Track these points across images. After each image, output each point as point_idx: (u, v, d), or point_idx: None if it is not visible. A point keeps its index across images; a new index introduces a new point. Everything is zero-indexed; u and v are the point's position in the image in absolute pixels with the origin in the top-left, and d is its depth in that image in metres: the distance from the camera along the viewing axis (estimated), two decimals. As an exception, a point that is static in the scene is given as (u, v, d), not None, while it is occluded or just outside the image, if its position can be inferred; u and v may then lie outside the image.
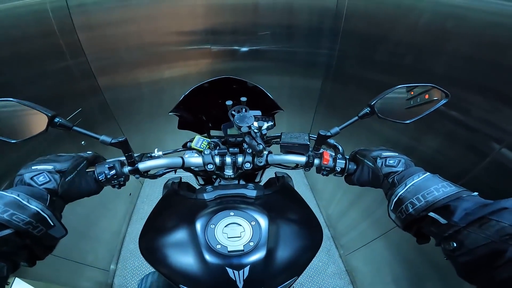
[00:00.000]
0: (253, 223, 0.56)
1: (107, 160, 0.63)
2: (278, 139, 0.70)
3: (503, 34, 0.73)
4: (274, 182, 0.81)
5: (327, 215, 1.93)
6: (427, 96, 0.60)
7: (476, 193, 0.46)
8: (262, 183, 0.86)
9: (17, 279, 0.96)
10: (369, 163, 0.60)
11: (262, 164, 0.68)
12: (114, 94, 1.66)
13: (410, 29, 1.04)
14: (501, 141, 0.75)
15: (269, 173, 0.89)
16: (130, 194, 2.07)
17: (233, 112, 0.65)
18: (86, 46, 1.42)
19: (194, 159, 0.69)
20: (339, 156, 0.65)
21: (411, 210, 0.47)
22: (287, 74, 1.66)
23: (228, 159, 0.69)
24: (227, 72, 1.56)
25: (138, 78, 1.65)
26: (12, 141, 0.52)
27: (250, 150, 0.67)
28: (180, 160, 0.68)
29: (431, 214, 0.45)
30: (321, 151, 0.66)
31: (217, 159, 0.68)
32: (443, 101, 0.58)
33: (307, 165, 0.66)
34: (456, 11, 0.86)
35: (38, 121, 0.53)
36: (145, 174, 0.67)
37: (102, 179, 0.59)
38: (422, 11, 0.98)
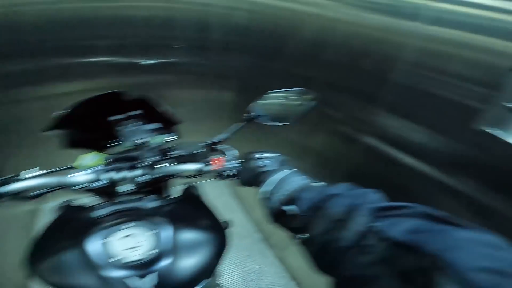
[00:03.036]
0: (153, 231, 0.56)
1: None
2: (174, 150, 0.71)
3: (363, 43, 0.91)
4: (180, 195, 0.82)
5: (255, 220, 1.99)
6: (299, 99, 0.68)
7: (324, 183, 0.48)
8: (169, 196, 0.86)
9: None
10: (249, 164, 0.64)
11: (160, 175, 0.68)
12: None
13: (299, 42, 1.19)
14: (366, 131, 0.92)
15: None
16: (23, 225, 1.72)
17: (125, 126, 0.66)
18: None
19: (83, 177, 0.65)
20: (232, 160, 0.69)
21: (271, 204, 0.50)
22: (201, 87, 1.67)
23: (123, 174, 0.67)
24: (134, 87, 1.48)
25: (25, 93, 1.40)
26: None
27: (147, 163, 0.68)
28: (62, 179, 0.63)
29: (286, 207, 0.47)
30: (214, 157, 0.70)
31: (109, 175, 0.66)
32: (313, 103, 0.68)
33: (204, 172, 0.69)
34: (331, 24, 1.03)
35: None
36: (16, 196, 0.60)
37: None
38: (309, 27, 1.13)
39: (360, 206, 0.35)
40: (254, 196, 1.86)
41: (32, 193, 0.66)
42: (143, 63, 1.51)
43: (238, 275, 1.71)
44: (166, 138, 0.71)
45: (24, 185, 0.60)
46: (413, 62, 0.90)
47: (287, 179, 0.52)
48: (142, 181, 0.68)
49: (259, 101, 0.67)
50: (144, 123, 0.67)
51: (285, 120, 0.68)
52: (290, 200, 0.47)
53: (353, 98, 0.97)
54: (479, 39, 0.80)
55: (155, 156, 0.61)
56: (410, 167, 0.96)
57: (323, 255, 0.38)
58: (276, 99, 0.68)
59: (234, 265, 1.76)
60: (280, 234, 1.84)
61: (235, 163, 0.69)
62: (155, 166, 0.67)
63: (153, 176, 0.68)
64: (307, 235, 0.41)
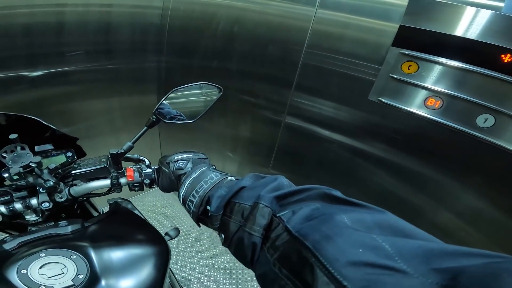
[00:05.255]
0: (73, 256, 0.53)
1: None
2: (76, 169, 0.66)
3: (272, 31, 0.94)
4: (108, 211, 0.77)
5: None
6: (205, 93, 0.66)
7: (232, 177, 0.47)
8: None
9: None
10: (165, 169, 0.61)
11: (63, 199, 0.63)
12: None
13: (212, 36, 1.16)
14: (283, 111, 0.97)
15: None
16: None
17: (3, 154, 0.59)
18: None
19: None
20: (145, 168, 0.65)
21: (192, 207, 0.47)
22: (114, 95, 1.50)
23: (18, 206, 0.62)
24: (24, 104, 1.24)
25: None
26: None
27: (46, 188, 0.62)
28: None
29: (201, 209, 0.45)
30: (123, 169, 0.66)
31: (9, 207, 0.62)
32: (219, 95, 0.66)
33: (115, 186, 0.66)
34: (240, 14, 1.03)
35: None
36: None
37: None
38: (219, 18, 1.11)
39: (262, 197, 0.34)
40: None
41: None
42: (31, 75, 1.27)
43: (208, 277, 1.67)
44: (62, 158, 0.67)
45: None
46: (312, 44, 0.98)
47: (199, 179, 0.49)
48: (48, 208, 0.62)
49: (164, 101, 0.63)
50: (31, 146, 0.61)
51: (192, 117, 0.65)
52: (205, 201, 0.45)
53: (269, 83, 1.01)
54: (362, 20, 0.91)
55: (52, 179, 0.56)
56: (326, 139, 1.05)
57: (241, 253, 0.35)
58: (181, 96, 0.65)
59: (202, 269, 1.71)
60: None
61: (148, 171, 0.65)
62: (58, 189, 0.62)
63: (61, 200, 0.63)
64: (222, 235, 0.39)
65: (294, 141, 1.04)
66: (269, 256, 0.29)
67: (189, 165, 0.57)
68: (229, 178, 0.47)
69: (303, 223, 0.28)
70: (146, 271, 0.56)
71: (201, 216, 0.47)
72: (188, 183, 0.50)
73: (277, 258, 0.28)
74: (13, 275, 0.50)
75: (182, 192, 0.49)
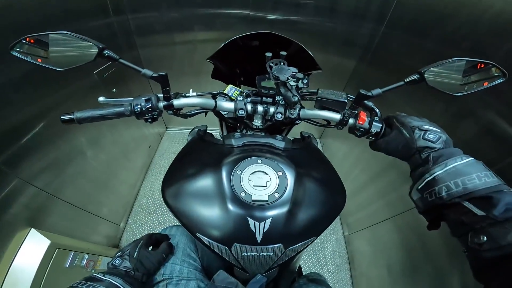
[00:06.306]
0: (279, 173, 0.54)
1: (144, 95, 0.64)
2: (314, 95, 0.70)
3: None
4: (299, 142, 0.81)
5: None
6: (482, 73, 0.59)
7: (507, 186, 0.43)
8: None
9: (32, 229, 0.96)
10: (404, 131, 0.56)
11: (294, 116, 0.67)
12: (148, 51, 1.72)
13: (470, 22, 0.97)
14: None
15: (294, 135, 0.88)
16: (149, 146, 2.15)
17: (271, 64, 0.64)
18: (128, 4, 1.46)
19: (227, 104, 0.70)
20: (376, 118, 0.64)
21: (443, 193, 0.44)
22: (321, 50, 1.62)
23: (260, 108, 0.69)
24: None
25: (173, 37, 1.68)
26: (58, 69, 0.54)
27: (283, 102, 0.69)
28: (213, 102, 0.68)
29: (465, 203, 0.42)
30: (357, 111, 0.66)
31: (249, 106, 0.68)
32: (499, 80, 0.56)
33: (341, 123, 0.66)
34: None
35: (87, 52, 0.55)
36: (177, 112, 0.69)
37: (138, 111, 0.61)
38: (489, 6, 0.91)
39: None
40: (347, 169, 1.80)
41: (188, 112, 0.72)
42: (269, 17, 1.56)
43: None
44: (305, 82, 0.69)
45: (190, 101, 0.66)
46: None
47: (468, 170, 0.44)
48: (278, 119, 0.68)
49: (432, 65, 0.58)
50: (288, 64, 0.64)
51: (456, 90, 0.58)
52: (475, 198, 0.42)
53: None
54: None
55: (295, 96, 0.57)
56: None
57: (506, 263, 0.37)
58: (454, 66, 0.59)
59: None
60: (357, 217, 1.80)
61: (378, 124, 0.63)
62: (294, 107, 0.66)
63: (291, 117, 0.67)
64: (483, 239, 0.39)
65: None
66: None
67: (439, 142, 0.52)
68: (504, 186, 0.43)
69: None
70: (321, 214, 0.55)
71: (444, 206, 0.45)
72: (453, 167, 0.46)
73: None
74: (229, 171, 0.53)
75: (440, 172, 0.46)
